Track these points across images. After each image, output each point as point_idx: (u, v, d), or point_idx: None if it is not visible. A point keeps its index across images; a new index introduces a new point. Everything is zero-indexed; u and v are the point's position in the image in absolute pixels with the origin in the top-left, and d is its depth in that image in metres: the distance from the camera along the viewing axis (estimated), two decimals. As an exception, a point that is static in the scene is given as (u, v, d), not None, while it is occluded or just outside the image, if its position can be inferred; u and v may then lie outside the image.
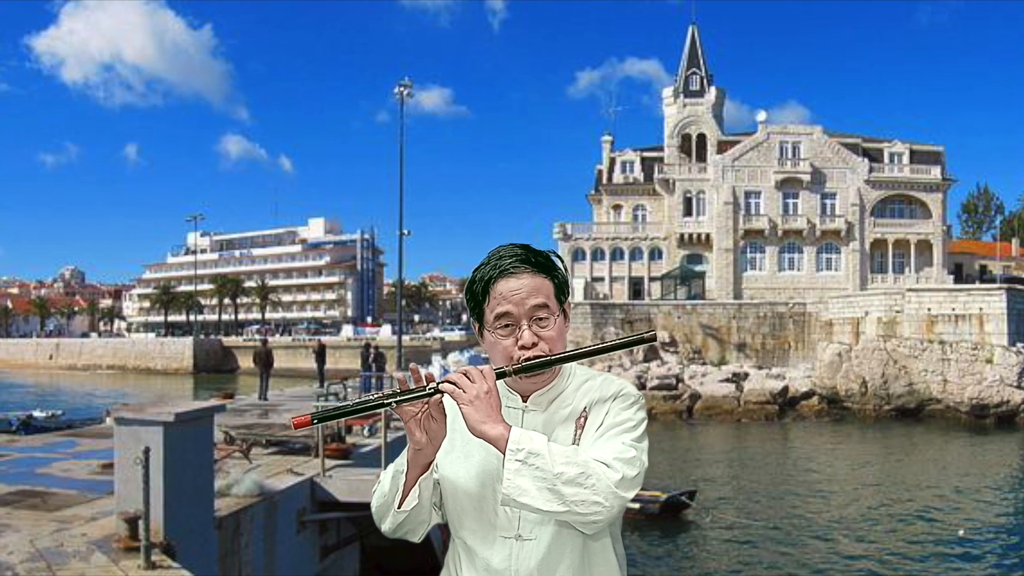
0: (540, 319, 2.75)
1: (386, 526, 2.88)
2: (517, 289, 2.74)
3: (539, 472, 2.47)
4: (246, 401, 34.92)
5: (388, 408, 2.65)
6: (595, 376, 2.90)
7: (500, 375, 2.69)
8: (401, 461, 2.82)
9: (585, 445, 2.69)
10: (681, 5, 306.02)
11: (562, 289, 2.84)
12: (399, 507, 2.79)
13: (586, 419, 2.77)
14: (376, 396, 2.68)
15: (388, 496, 2.83)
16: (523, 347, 2.74)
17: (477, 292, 2.82)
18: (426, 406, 2.65)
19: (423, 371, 2.71)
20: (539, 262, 2.79)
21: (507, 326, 2.76)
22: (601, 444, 2.65)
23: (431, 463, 2.77)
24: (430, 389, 2.63)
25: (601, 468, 2.53)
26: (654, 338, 2.78)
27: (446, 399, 2.68)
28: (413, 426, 2.66)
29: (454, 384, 2.60)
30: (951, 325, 60.41)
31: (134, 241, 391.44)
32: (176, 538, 10.66)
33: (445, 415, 2.69)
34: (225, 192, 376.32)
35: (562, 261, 2.90)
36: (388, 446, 17.04)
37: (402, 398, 2.62)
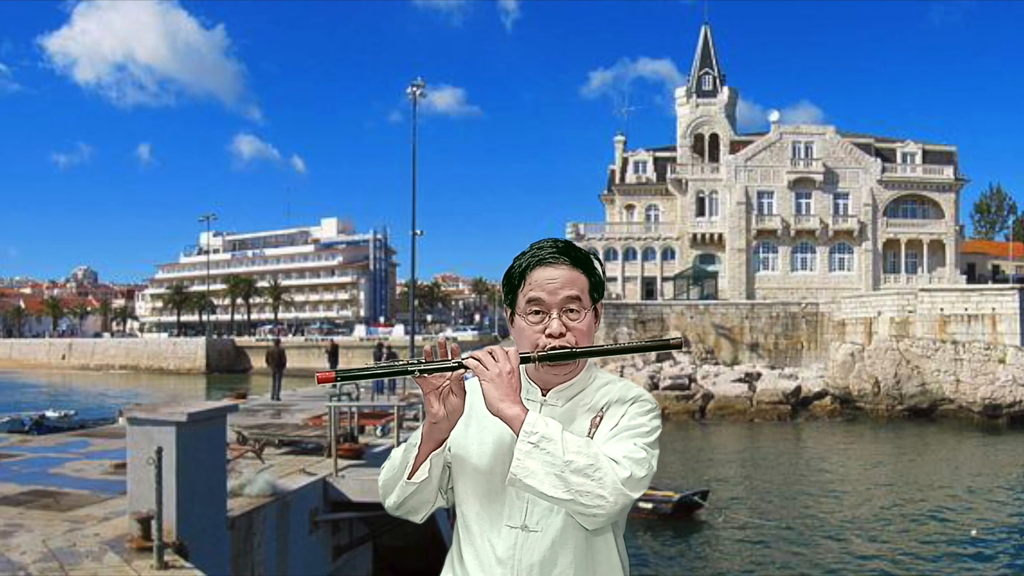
0: (571, 311, 2.79)
1: (391, 500, 2.91)
2: (553, 278, 2.78)
3: (549, 457, 2.50)
4: (259, 401, 34.97)
5: (411, 376, 2.66)
6: (615, 380, 2.92)
7: (524, 359, 2.71)
8: (415, 434, 2.85)
9: (598, 442, 2.69)
10: (694, 5, 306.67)
11: (597, 288, 2.88)
12: (409, 478, 2.81)
13: (601, 419, 2.78)
14: (400, 363, 2.70)
15: (398, 469, 2.86)
16: (550, 335, 2.77)
17: (514, 276, 2.86)
18: (448, 380, 2.67)
19: (449, 345, 2.72)
20: (579, 257, 2.84)
21: (537, 312, 2.79)
22: (613, 443, 2.66)
23: (444, 440, 2.79)
24: (454, 363, 2.64)
25: (610, 464, 2.55)
26: (680, 345, 2.79)
27: (469, 384, 2.71)
28: (433, 398, 2.68)
29: (478, 361, 2.62)
30: (964, 325, 60.32)
31: (147, 241, 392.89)
32: (189, 538, 10.68)
33: (465, 392, 2.71)
34: (238, 192, 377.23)
35: (601, 264, 2.95)
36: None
37: (426, 368, 2.64)
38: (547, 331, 2.77)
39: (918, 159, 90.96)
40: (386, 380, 36.89)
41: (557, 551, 2.73)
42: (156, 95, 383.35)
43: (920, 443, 46.72)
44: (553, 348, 2.75)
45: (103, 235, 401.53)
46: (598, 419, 2.79)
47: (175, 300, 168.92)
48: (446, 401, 2.68)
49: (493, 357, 2.62)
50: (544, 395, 2.87)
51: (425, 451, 2.78)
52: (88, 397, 76.10)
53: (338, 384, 2.42)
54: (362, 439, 21.15)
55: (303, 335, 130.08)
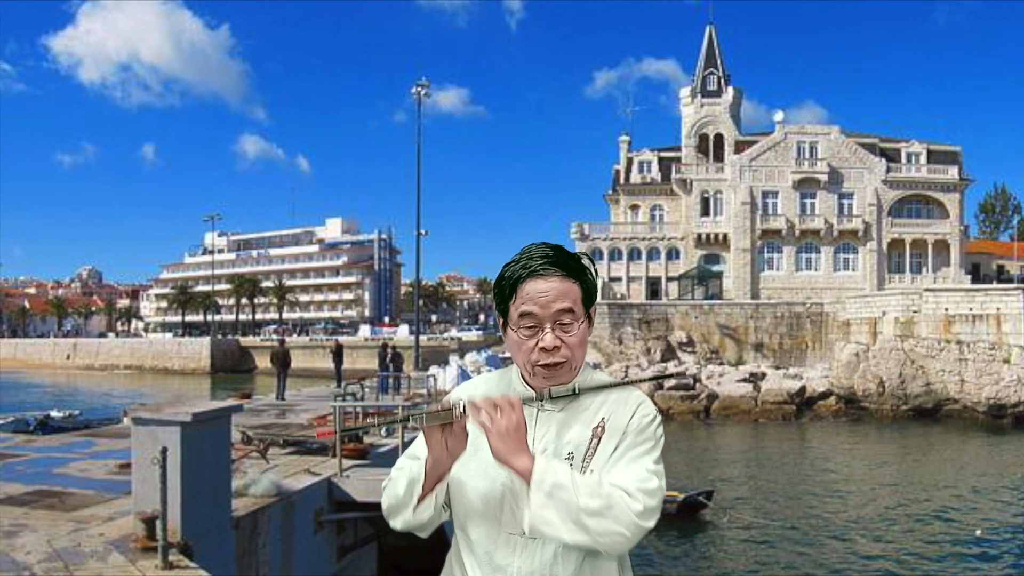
0: (564, 324, 2.75)
1: (397, 525, 2.90)
2: (544, 291, 2.73)
3: (564, 505, 2.53)
4: (263, 401, 34.93)
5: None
6: (613, 384, 2.90)
7: (527, 401, 2.70)
8: (416, 468, 2.81)
9: (601, 460, 2.72)
10: (698, 5, 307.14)
11: (590, 295, 2.83)
12: (414, 511, 2.80)
13: (603, 429, 2.77)
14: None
15: (403, 499, 2.83)
16: (543, 350, 2.74)
17: (505, 289, 2.82)
18: (450, 426, 2.65)
19: (452, 398, 2.72)
20: (570, 266, 2.79)
21: (531, 327, 2.75)
22: (622, 468, 2.68)
23: (447, 472, 2.79)
24: (456, 412, 2.62)
25: (624, 499, 2.57)
26: (683, 374, 2.78)
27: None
28: (435, 443, 2.68)
29: (483, 412, 2.60)
30: (968, 325, 60.21)
31: (151, 241, 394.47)
32: (193, 538, 10.67)
33: (467, 434, 2.69)
34: (242, 192, 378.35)
35: (594, 265, 2.90)
36: (405, 446, 16.99)
37: (428, 422, 2.64)
38: (540, 345, 2.74)
39: (923, 159, 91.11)
40: (390, 380, 37.03)
41: (557, 559, 2.74)
42: (161, 95, 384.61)
43: (925, 443, 46.68)
44: (548, 364, 2.75)
45: (108, 235, 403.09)
46: (600, 430, 2.78)
47: (180, 300, 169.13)
48: (448, 441, 2.68)
49: (498, 409, 2.60)
50: (541, 399, 2.83)
51: (429, 485, 2.78)
52: (93, 397, 76.12)
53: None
54: (367, 439, 21.14)
55: (308, 335, 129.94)
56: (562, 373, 2.78)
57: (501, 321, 2.89)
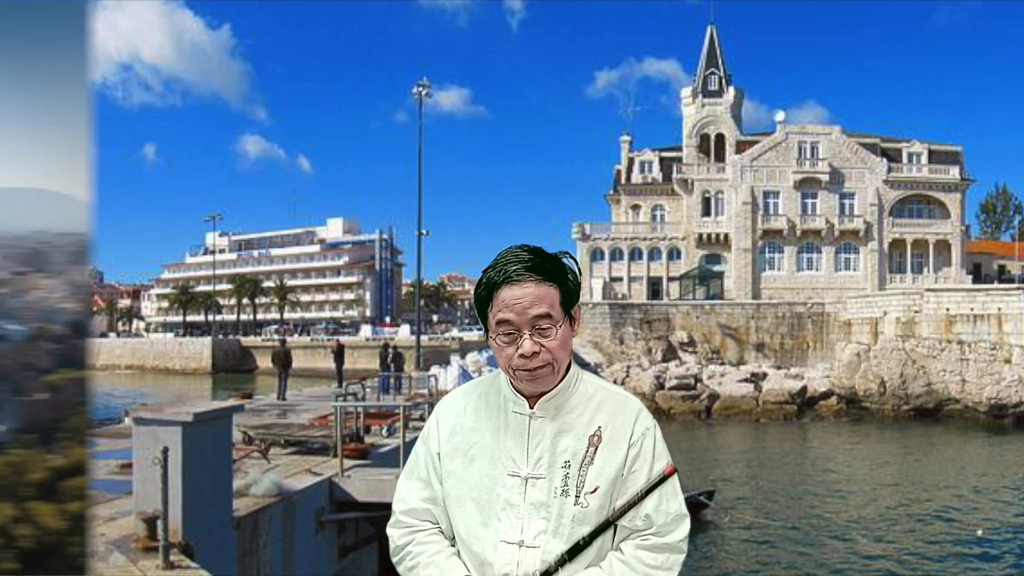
0: (542, 328, 2.71)
1: None
2: (520, 298, 2.69)
3: None
4: (265, 401, 34.95)
5: None
6: (606, 388, 2.90)
7: (518, 411, 2.76)
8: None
9: (598, 469, 2.76)
10: (699, 5, 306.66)
11: (569, 297, 2.78)
12: None
13: (599, 438, 2.77)
14: None
15: None
16: (522, 356, 2.70)
17: (482, 296, 2.79)
18: None
19: None
20: (547, 270, 2.74)
21: (509, 333, 2.72)
22: (654, 501, 2.76)
23: None
24: None
25: (665, 563, 2.74)
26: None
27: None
28: None
29: None
30: (969, 325, 60.16)
31: (153, 241, 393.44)
32: (194, 538, 10.67)
33: None
34: (243, 192, 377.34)
35: (576, 264, 2.86)
36: (407, 446, 16.96)
37: None
38: (519, 352, 2.71)
39: (924, 159, 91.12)
40: (391, 380, 37.01)
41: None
42: (162, 95, 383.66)
43: (926, 443, 46.69)
44: (530, 368, 2.73)
45: (109, 235, 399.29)
46: (596, 438, 2.77)
47: (181, 300, 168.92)
48: None
49: None
50: (532, 407, 2.82)
51: None
52: (94, 397, 75.99)
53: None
54: (368, 439, 21.14)
55: (309, 335, 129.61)
56: (545, 376, 2.75)
57: (485, 328, 2.86)
